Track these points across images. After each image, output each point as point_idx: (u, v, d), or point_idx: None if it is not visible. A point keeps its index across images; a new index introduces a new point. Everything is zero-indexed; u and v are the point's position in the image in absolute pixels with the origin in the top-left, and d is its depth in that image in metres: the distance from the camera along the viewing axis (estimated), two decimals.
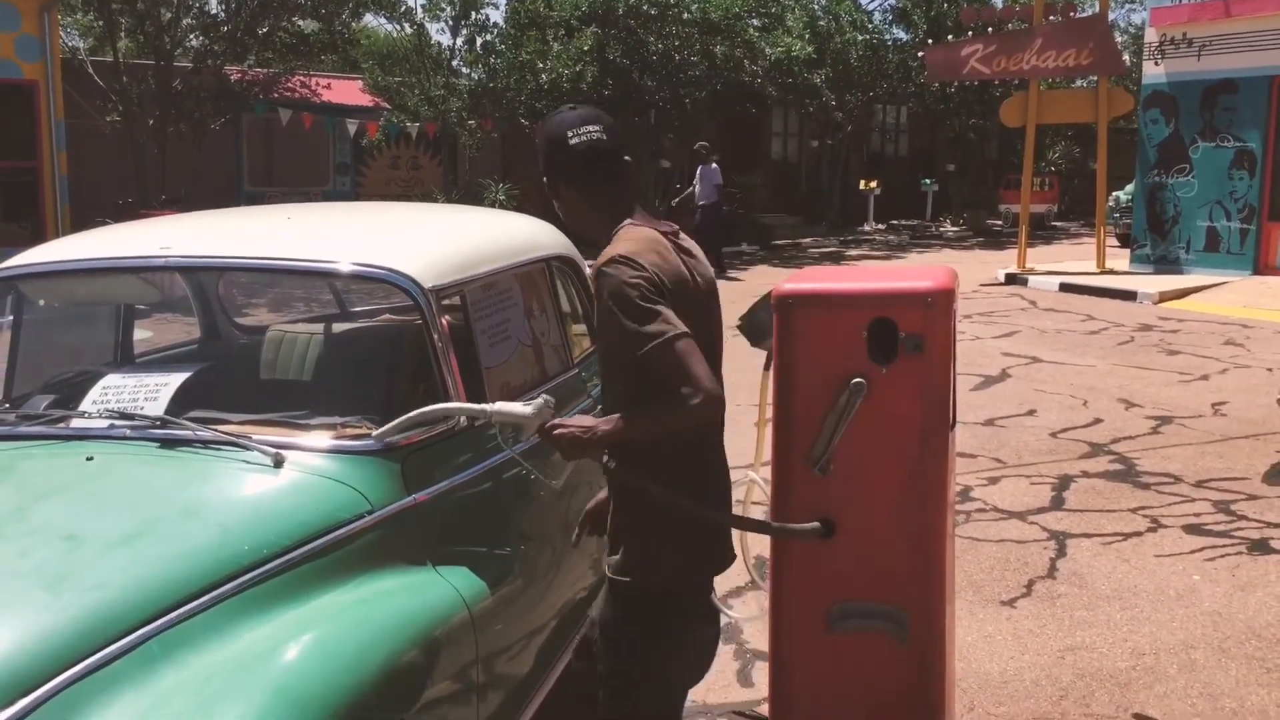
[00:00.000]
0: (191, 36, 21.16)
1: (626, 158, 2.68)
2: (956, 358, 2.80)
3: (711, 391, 2.39)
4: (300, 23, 22.40)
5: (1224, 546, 5.52)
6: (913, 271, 2.86)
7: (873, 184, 27.85)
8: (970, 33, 20.29)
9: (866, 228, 27.89)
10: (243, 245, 3.31)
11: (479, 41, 21.45)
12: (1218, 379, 9.65)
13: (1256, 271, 16.21)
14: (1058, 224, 29.49)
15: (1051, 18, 17.43)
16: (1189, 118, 16.99)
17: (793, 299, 2.73)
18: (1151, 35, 17.74)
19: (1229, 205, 16.66)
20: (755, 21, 22.89)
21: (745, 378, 3.02)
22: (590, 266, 2.62)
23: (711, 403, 2.40)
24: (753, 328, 3.08)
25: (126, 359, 3.77)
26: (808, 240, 25.36)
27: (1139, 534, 5.71)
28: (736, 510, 2.94)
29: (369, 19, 24.33)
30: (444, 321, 3.01)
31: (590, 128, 2.60)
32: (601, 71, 20.64)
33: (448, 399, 2.92)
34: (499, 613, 2.82)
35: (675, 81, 21.61)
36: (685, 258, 2.67)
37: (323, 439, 2.77)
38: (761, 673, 4.12)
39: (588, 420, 2.55)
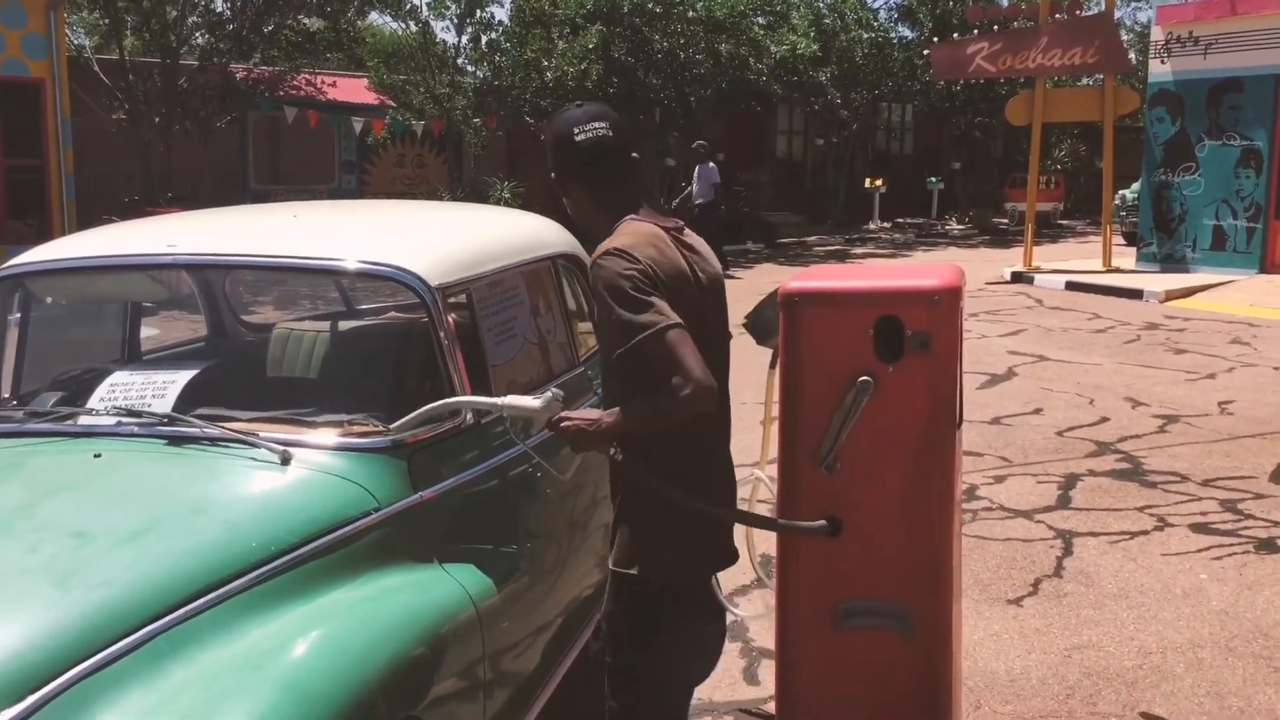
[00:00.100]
0: (197, 34, 21.17)
1: (634, 155, 2.70)
2: (963, 356, 2.79)
3: (702, 382, 2.40)
4: (305, 21, 22.41)
5: (1231, 545, 5.51)
6: (919, 269, 2.85)
7: (878, 182, 27.83)
8: (976, 31, 20.25)
9: (872, 226, 27.87)
10: (249, 243, 3.31)
11: (484, 39, 21.47)
12: (1224, 378, 9.63)
13: (1263, 270, 16.18)
14: (1064, 222, 29.45)
15: (1057, 16, 17.39)
16: (1195, 116, 16.95)
17: (799, 297, 2.72)
18: (1157, 33, 17.71)
19: (1235, 204, 16.63)
20: (760, 19, 22.87)
21: (751, 376, 3.02)
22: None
23: (702, 394, 2.41)
24: (758, 326, 3.08)
25: (134, 356, 3.78)
26: (813, 238, 25.34)
27: (1146, 533, 5.70)
28: (742, 508, 2.95)
29: (374, 17, 24.38)
30: (450, 319, 3.01)
31: (597, 124, 2.62)
32: (606, 70, 20.64)
33: (454, 396, 2.92)
34: (505, 610, 2.83)
35: (680, 80, 21.61)
36: (687, 253, 2.68)
37: (330, 436, 2.77)
38: (767, 670, 4.12)
39: (594, 413, 2.58)
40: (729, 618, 4.17)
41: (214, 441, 2.70)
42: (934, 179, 29.68)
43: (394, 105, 21.45)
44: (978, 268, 17.18)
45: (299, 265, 3.19)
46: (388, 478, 2.70)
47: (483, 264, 3.34)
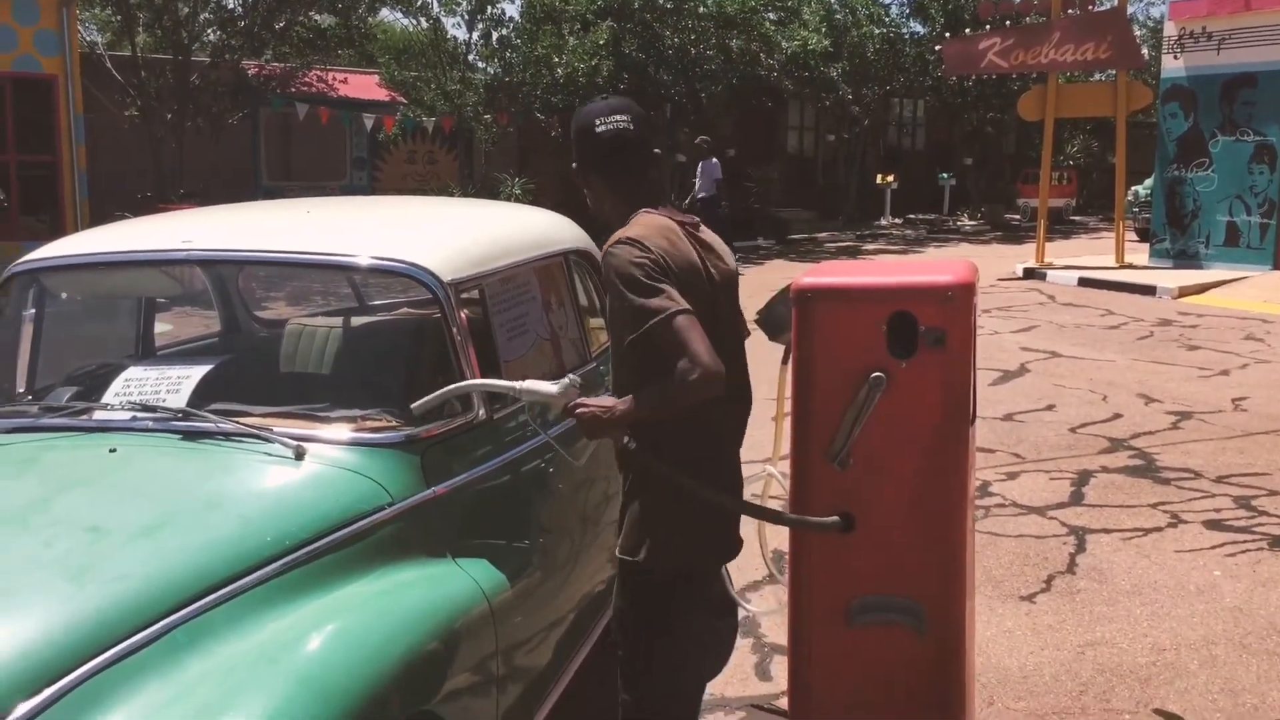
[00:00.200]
0: (209, 31, 21.21)
1: (655, 150, 2.71)
2: (976, 352, 2.79)
3: (710, 367, 2.42)
4: (317, 17, 22.44)
5: (1245, 542, 5.49)
6: (932, 265, 2.85)
7: (889, 178, 27.76)
8: (988, 26, 20.20)
9: (883, 222, 27.81)
10: (263, 239, 3.32)
11: (495, 36, 21.46)
12: (1238, 374, 9.59)
13: (1277, 266, 16.09)
14: (1076, 218, 29.35)
15: (1070, 11, 17.32)
16: (1208, 112, 16.87)
17: (812, 293, 2.72)
18: (1170, 29, 17.62)
19: (1249, 200, 16.54)
20: (771, 15, 22.85)
21: (763, 372, 3.02)
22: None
23: (710, 378, 2.43)
24: (770, 322, 3.07)
25: (148, 352, 3.79)
26: (824, 235, 25.30)
27: (1159, 529, 5.69)
28: (755, 503, 2.95)
29: (385, 13, 24.38)
30: (463, 315, 3.01)
31: (618, 117, 2.66)
32: (617, 66, 20.63)
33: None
34: (518, 605, 2.83)
35: (691, 75, 21.60)
36: (700, 249, 2.71)
37: (343, 432, 2.78)
38: (780, 666, 4.12)
39: (608, 400, 2.61)
40: (741, 613, 4.19)
41: (228, 436, 2.71)
42: (946, 175, 29.60)
43: (405, 102, 21.47)
44: (990, 264, 17.13)
45: (313, 261, 3.20)
46: (401, 473, 2.70)
47: (495, 260, 3.34)
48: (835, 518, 2.69)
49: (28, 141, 16.17)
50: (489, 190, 19.73)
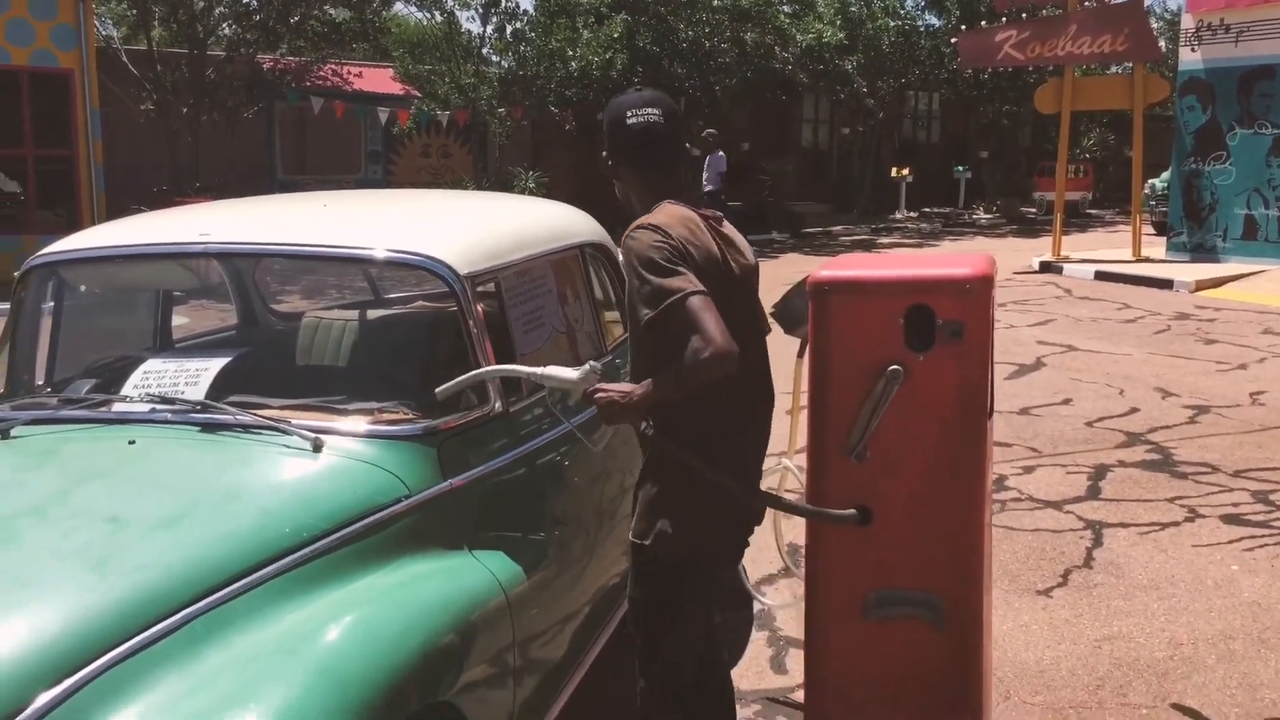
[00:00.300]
0: (224, 25, 21.28)
1: (689, 146, 2.70)
2: (993, 346, 2.78)
3: (721, 346, 2.43)
4: (331, 11, 22.48)
5: (1263, 537, 5.46)
6: (950, 258, 2.84)
7: (905, 171, 27.68)
8: (1004, 18, 20.09)
9: (898, 215, 27.74)
10: (280, 232, 3.32)
11: (509, 29, 21.47)
12: (1256, 368, 9.54)
13: None
14: (1092, 212, 29.23)
15: (1087, 3, 17.27)
16: (1226, 104, 16.77)
17: (829, 286, 2.71)
18: (1188, 21, 17.52)
19: (1267, 193, 16.44)
20: (786, 8, 22.80)
21: (779, 365, 3.01)
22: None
23: (722, 356, 2.44)
24: (786, 315, 3.07)
25: (165, 344, 3.81)
26: (838, 228, 25.25)
27: (1176, 524, 5.66)
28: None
29: (399, 7, 24.50)
30: (479, 308, 3.01)
31: (649, 110, 2.69)
32: (631, 59, 20.61)
33: (483, 384, 2.93)
34: (535, 597, 2.83)
35: (705, 69, 21.56)
36: (721, 242, 2.74)
37: (361, 424, 2.78)
38: (795, 659, 4.12)
39: (627, 386, 2.64)
40: (756, 606, 4.20)
41: (246, 429, 2.72)
42: (961, 168, 29.51)
43: (419, 95, 21.50)
44: (1006, 257, 17.05)
45: (329, 254, 3.20)
46: (418, 465, 2.71)
47: (511, 253, 3.34)
48: (852, 511, 2.69)
49: (44, 136, 16.24)
50: (503, 184, 19.74)
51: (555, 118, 21.60)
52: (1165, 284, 14.84)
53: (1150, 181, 20.69)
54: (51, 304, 3.37)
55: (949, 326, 2.60)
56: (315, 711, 2.00)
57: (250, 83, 20.69)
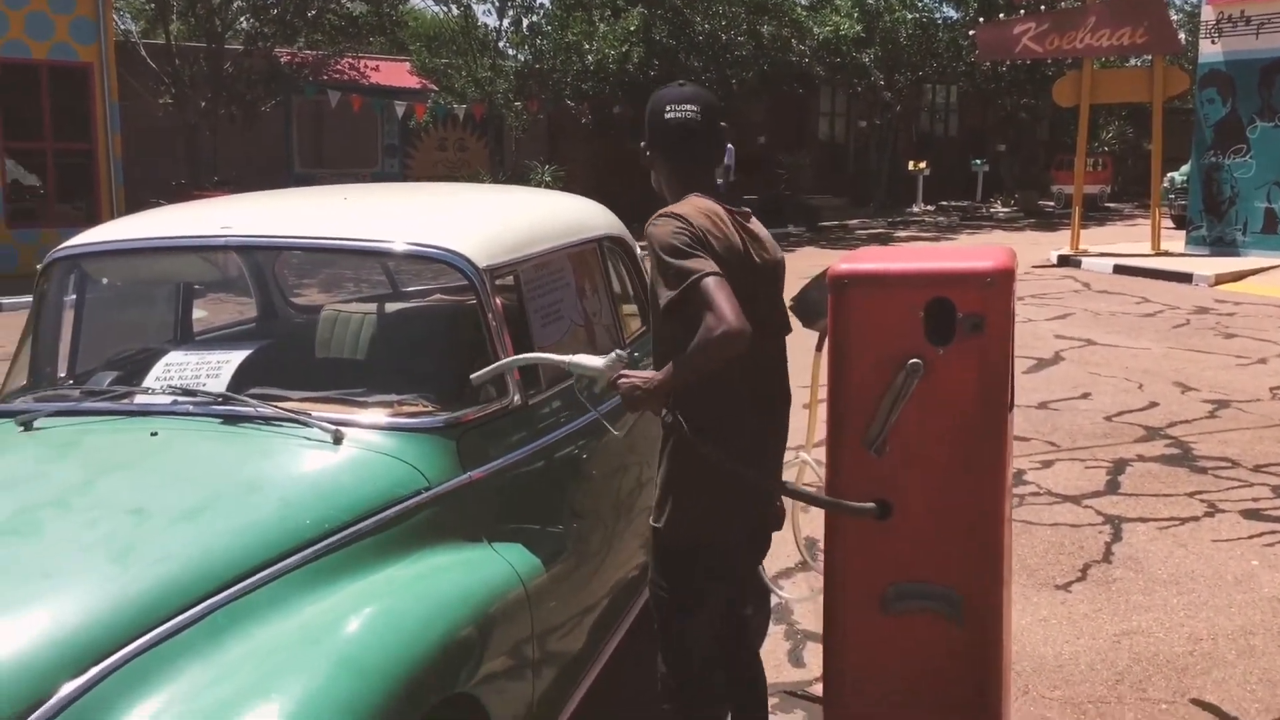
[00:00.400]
0: (242, 19, 21.35)
1: (719, 141, 2.81)
2: (1014, 339, 2.77)
3: (734, 324, 2.45)
4: (349, 4, 22.54)
5: None
6: (970, 251, 2.83)
7: (922, 164, 27.58)
8: (1022, 11, 20.03)
9: (915, 209, 27.64)
10: (301, 225, 3.33)
11: (525, 23, 21.48)
12: (1276, 362, 9.48)
13: None
14: (1111, 205, 29.08)
15: None
16: (1247, 97, 16.65)
17: (848, 279, 2.71)
18: (1208, 13, 17.40)
19: None
20: (803, 0, 22.71)
21: (796, 358, 3.01)
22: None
23: (734, 334, 2.46)
24: (805, 308, 3.07)
25: (186, 337, 3.82)
26: (855, 222, 25.18)
27: (1196, 519, 5.63)
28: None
29: (416, 1, 24.44)
30: (498, 301, 3.02)
31: (687, 106, 2.75)
32: (648, 52, 20.60)
33: (502, 377, 2.94)
34: (553, 590, 2.84)
35: (722, 62, 21.52)
36: (745, 236, 2.77)
37: (380, 416, 2.79)
38: (812, 653, 4.12)
39: (648, 373, 2.67)
40: (774, 600, 4.20)
41: (267, 421, 2.73)
42: (979, 161, 29.39)
43: (436, 89, 21.52)
44: (1024, 251, 16.92)
45: (350, 247, 3.21)
46: (438, 457, 2.71)
47: (530, 246, 3.34)
48: (871, 504, 2.68)
49: (64, 129, 16.34)
50: (519, 177, 19.76)
51: (571, 111, 21.60)
52: (1184, 278, 14.76)
53: (1169, 175, 20.56)
54: (73, 296, 3.38)
55: (969, 320, 2.59)
56: (336, 702, 2.01)
57: (268, 76, 20.76)
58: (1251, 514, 5.69)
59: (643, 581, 3.67)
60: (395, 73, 23.77)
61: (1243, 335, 10.80)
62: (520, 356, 2.90)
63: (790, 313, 3.03)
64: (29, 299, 3.32)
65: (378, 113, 22.41)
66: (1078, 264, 16.42)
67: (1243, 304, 12.85)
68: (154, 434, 2.70)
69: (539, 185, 18.21)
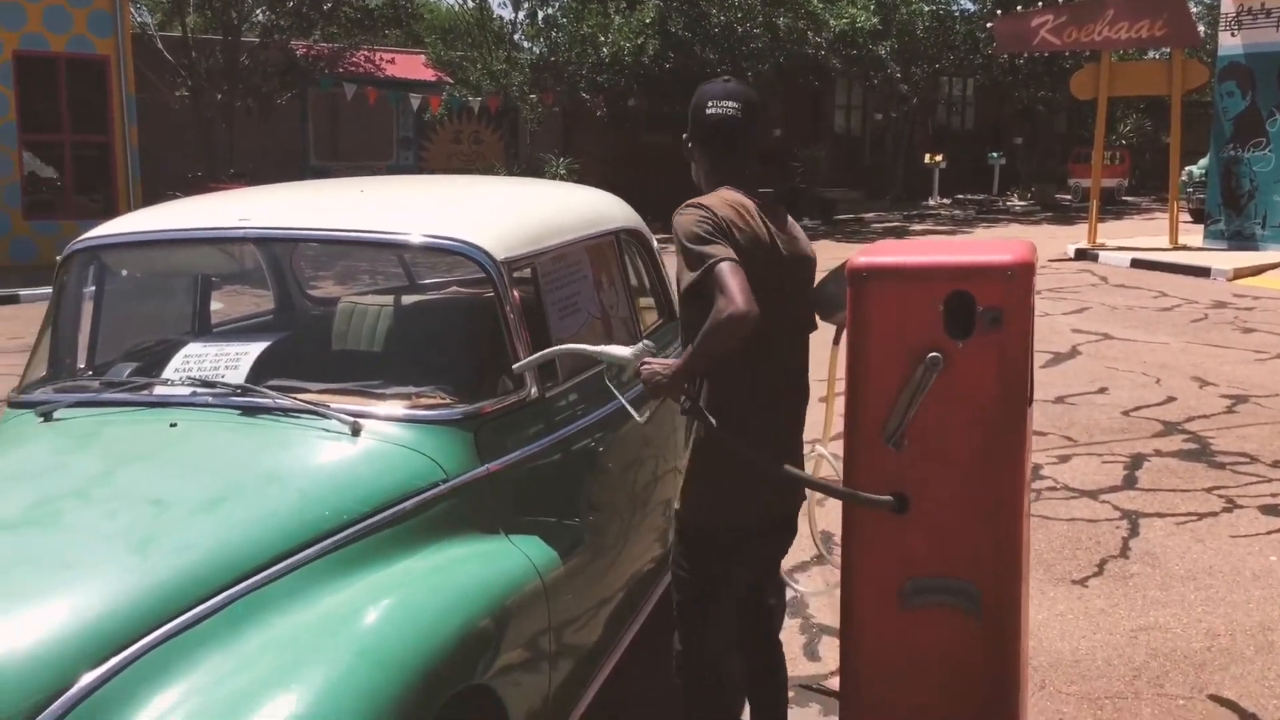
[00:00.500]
0: (258, 11, 21.39)
1: (753, 137, 2.86)
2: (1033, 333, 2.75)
3: (742, 306, 2.48)
4: None
5: None
6: (990, 244, 2.81)
7: (938, 158, 27.47)
8: (1040, 3, 19.87)
9: (931, 202, 27.55)
10: (319, 217, 3.34)
11: (540, 15, 21.47)
12: None
13: None
14: (1128, 199, 28.91)
15: None
16: (1266, 90, 16.52)
17: (867, 272, 2.70)
18: (1228, 5, 17.26)
19: None
20: None
21: (813, 352, 3.00)
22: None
23: (741, 316, 2.48)
24: (822, 301, 3.06)
25: (204, 329, 3.84)
26: (870, 215, 25.11)
27: (1214, 514, 5.61)
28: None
29: None
30: (515, 293, 3.02)
31: (728, 103, 2.82)
32: (663, 44, 20.56)
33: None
34: (570, 582, 2.84)
35: (737, 54, 21.47)
36: (775, 229, 2.80)
37: (398, 408, 2.80)
38: (827, 647, 4.11)
39: (670, 360, 2.73)
40: (789, 593, 4.19)
41: (286, 412, 2.74)
42: (995, 154, 29.25)
43: (451, 81, 21.53)
44: (1040, 244, 16.72)
45: (368, 239, 3.21)
46: (455, 450, 2.72)
47: (547, 238, 3.34)
48: (888, 497, 2.68)
49: (81, 122, 16.41)
50: (534, 170, 19.76)
51: (586, 104, 21.59)
52: (1202, 272, 14.68)
53: (1188, 168, 20.42)
54: (93, 288, 3.39)
55: (989, 314, 2.58)
56: (355, 693, 2.01)
57: (283, 69, 20.80)
58: (1270, 509, 5.66)
59: (658, 575, 3.67)
60: (410, 65, 23.80)
61: (1261, 330, 10.73)
62: (559, 348, 2.96)
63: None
64: (47, 290, 3.33)
65: (393, 105, 22.44)
66: (1095, 258, 16.34)
67: (1261, 298, 12.77)
68: (173, 425, 2.71)
69: (553, 178, 18.21)
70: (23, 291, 12.78)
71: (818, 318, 3.03)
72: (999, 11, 24.85)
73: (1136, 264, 15.58)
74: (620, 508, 3.45)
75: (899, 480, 2.69)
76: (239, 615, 2.14)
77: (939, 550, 2.70)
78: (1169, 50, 17.47)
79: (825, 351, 3.12)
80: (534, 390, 2.99)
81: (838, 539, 2.89)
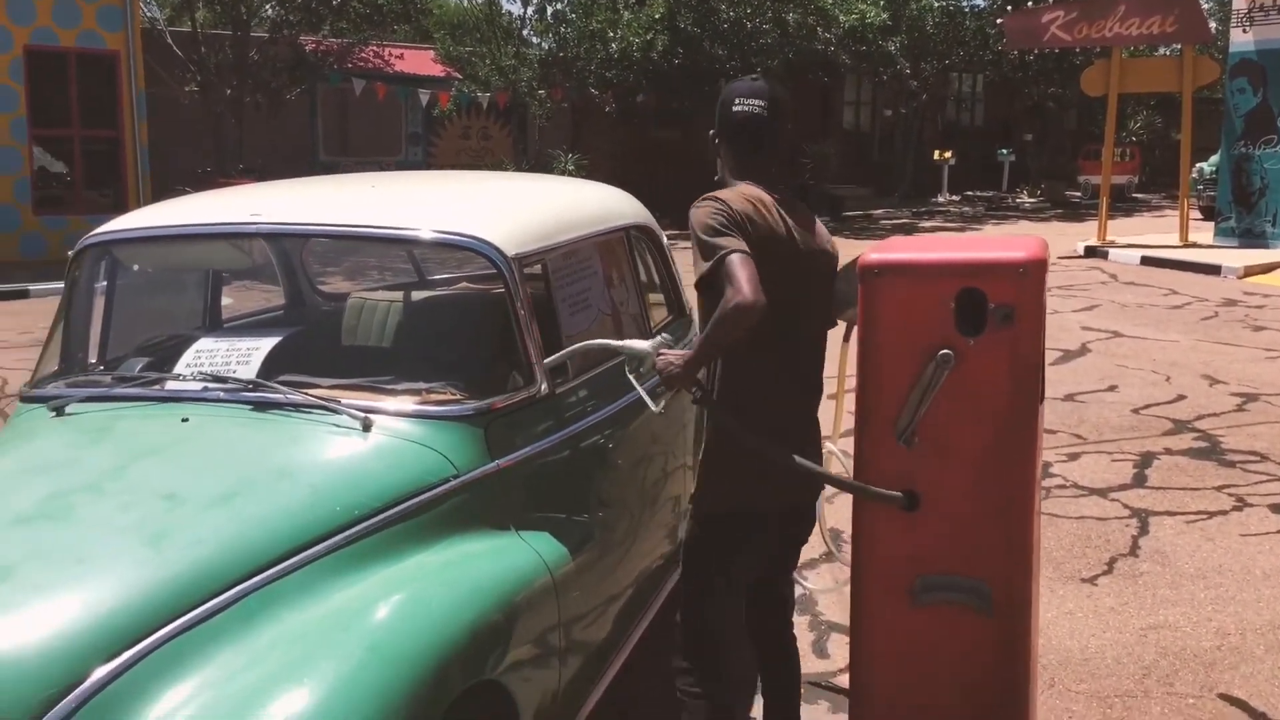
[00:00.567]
0: (267, 6, 21.41)
1: (777, 136, 2.89)
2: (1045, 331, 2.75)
3: (748, 296, 2.52)
4: None
5: None
6: (1002, 241, 2.81)
7: (947, 154, 27.42)
8: None
9: (940, 199, 27.50)
10: (330, 213, 3.34)
11: (549, 10, 21.45)
12: None
13: None
14: (1138, 196, 28.84)
15: None
16: (1278, 87, 16.45)
17: (879, 268, 2.69)
18: (1240, 2, 17.20)
19: None
20: None
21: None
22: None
23: (746, 307, 2.52)
24: (833, 297, 3.06)
25: (215, 324, 3.84)
26: (879, 211, 25.06)
27: (1224, 513, 5.59)
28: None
29: None
30: (526, 289, 3.02)
31: (754, 101, 2.86)
32: (672, 40, 20.54)
33: (530, 366, 2.95)
34: (579, 579, 2.85)
35: (746, 50, 21.44)
36: (793, 225, 2.83)
37: (409, 404, 2.80)
38: (836, 644, 4.11)
39: (684, 351, 2.77)
40: (798, 590, 4.19)
41: (297, 408, 2.74)
42: (1005, 151, 29.19)
43: (460, 77, 21.53)
44: (1050, 241, 16.62)
45: (379, 234, 3.22)
46: (466, 446, 2.72)
47: (558, 234, 3.34)
48: (898, 494, 2.68)
49: (91, 117, 16.43)
50: (542, 166, 19.77)
51: (595, 100, 21.57)
52: (1213, 269, 14.63)
53: (1198, 165, 20.37)
54: (105, 283, 3.40)
55: (1000, 311, 2.57)
56: (366, 688, 2.02)
57: (292, 64, 20.82)
58: None
59: (667, 571, 3.67)
60: (419, 61, 23.79)
61: (1272, 328, 10.70)
62: (587, 343, 3.04)
63: None
64: (56, 285, 3.34)
65: (402, 101, 22.44)
66: (1105, 255, 16.30)
67: (1272, 296, 12.72)
68: (185, 420, 2.72)
69: (562, 174, 18.21)
70: (32, 286, 12.81)
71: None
72: (1009, 7, 24.80)
73: (1146, 261, 15.54)
74: (630, 504, 3.45)
75: (910, 478, 2.69)
76: (251, 610, 2.14)
77: (950, 548, 2.70)
78: (1180, 47, 17.40)
79: (835, 348, 3.12)
80: (544, 386, 2.99)
81: (846, 536, 2.89)
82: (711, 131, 2.97)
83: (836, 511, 3.82)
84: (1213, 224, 17.76)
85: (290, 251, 4.10)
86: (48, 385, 3.09)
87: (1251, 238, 16.71)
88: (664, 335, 2.89)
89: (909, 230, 21.79)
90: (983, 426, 2.64)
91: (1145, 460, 6.44)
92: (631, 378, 2.90)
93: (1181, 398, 7.92)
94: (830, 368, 3.07)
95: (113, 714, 1.92)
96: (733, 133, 2.89)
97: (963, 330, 2.61)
